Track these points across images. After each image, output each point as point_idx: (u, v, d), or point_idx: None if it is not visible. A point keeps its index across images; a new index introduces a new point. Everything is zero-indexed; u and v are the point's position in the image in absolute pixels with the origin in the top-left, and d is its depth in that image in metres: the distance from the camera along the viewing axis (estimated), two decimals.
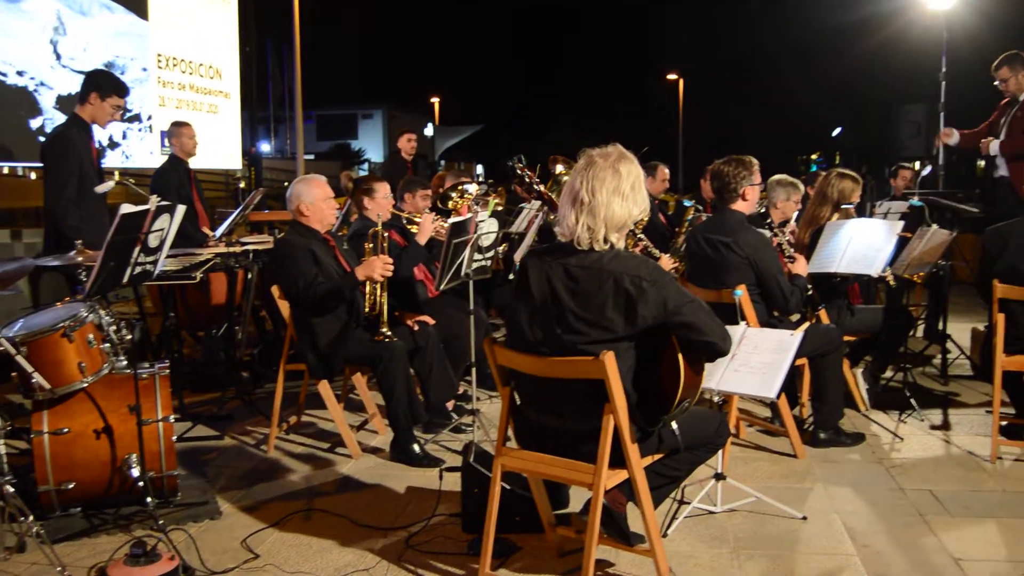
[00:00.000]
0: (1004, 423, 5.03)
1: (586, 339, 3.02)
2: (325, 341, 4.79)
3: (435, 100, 49.85)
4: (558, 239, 3.18)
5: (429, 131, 48.46)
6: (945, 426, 5.42)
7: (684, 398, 3.10)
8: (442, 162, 43.76)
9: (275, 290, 4.87)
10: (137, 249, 3.97)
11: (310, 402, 5.58)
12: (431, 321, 5.21)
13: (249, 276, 6.45)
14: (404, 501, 4.27)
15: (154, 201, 3.92)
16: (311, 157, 36.49)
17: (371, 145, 47.28)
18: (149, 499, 3.83)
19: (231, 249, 6.16)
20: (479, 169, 43.72)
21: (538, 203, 6.66)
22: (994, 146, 6.96)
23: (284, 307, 4.86)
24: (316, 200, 4.87)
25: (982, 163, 7.51)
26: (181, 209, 4.26)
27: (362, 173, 32.65)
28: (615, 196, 3.04)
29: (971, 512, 4.10)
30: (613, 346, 2.99)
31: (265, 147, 30.26)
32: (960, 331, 7.08)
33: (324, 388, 4.86)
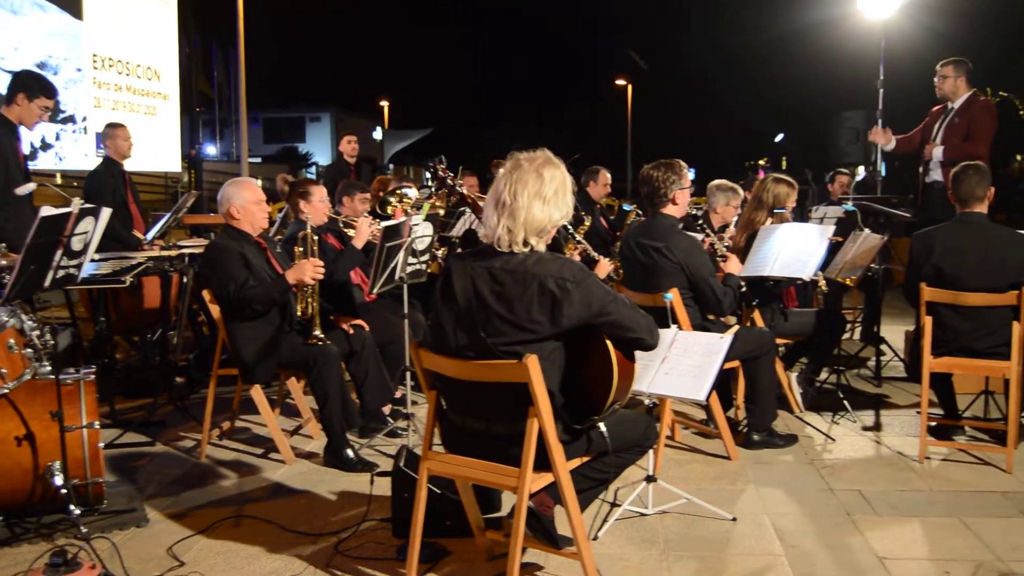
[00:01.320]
0: (932, 424, 5.12)
1: (511, 341, 3.01)
2: (257, 345, 4.73)
3: (384, 103, 49.66)
4: (481, 240, 3.18)
5: (378, 135, 48.18)
6: (876, 427, 5.50)
7: (616, 400, 3.12)
8: (391, 166, 43.51)
9: (206, 294, 4.81)
10: (59, 252, 3.88)
11: (244, 407, 5.52)
12: (366, 325, 5.16)
13: (185, 280, 6.34)
14: (336, 506, 4.23)
15: (76, 203, 3.83)
16: (258, 160, 36.12)
17: (319, 148, 46.89)
18: (73, 507, 3.75)
19: (165, 252, 6.07)
20: (428, 174, 43.53)
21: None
22: (938, 152, 7.07)
23: (215, 311, 4.79)
24: (247, 203, 4.81)
25: (922, 168, 7.59)
26: (106, 212, 4.17)
27: (309, 176, 32.38)
28: (536, 200, 3.04)
29: (898, 512, 4.16)
30: (538, 347, 2.99)
31: (211, 150, 29.89)
32: (895, 333, 7.21)
33: (257, 393, 4.80)
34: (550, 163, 3.13)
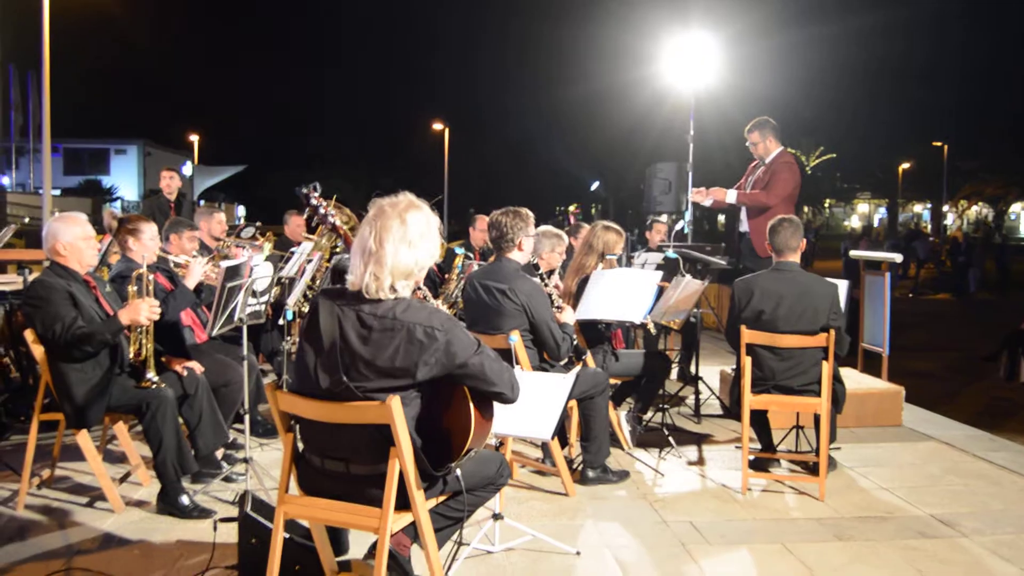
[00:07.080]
0: (752, 457, 5.46)
1: (374, 386, 3.02)
2: (85, 388, 4.51)
3: (195, 137, 48.12)
4: (348, 285, 3.17)
5: (188, 170, 46.61)
6: (700, 461, 5.81)
7: (472, 447, 3.18)
8: (201, 202, 42.13)
9: (29, 334, 4.54)
10: None
11: (65, 454, 5.22)
12: (199, 368, 5.02)
13: None
14: (175, 555, 4.07)
15: None
16: (57, 192, 34.17)
17: (125, 182, 44.81)
18: None
19: None
20: (240, 211, 42.40)
21: (310, 247, 6.60)
22: (731, 195, 7.54)
23: (39, 352, 4.53)
24: (75, 239, 4.60)
25: (722, 218, 8.08)
26: None
27: (113, 209, 30.85)
28: (401, 245, 3.08)
29: (727, 540, 4.42)
30: (401, 394, 3.02)
31: (3, 180, 28.12)
32: (709, 373, 7.62)
33: (83, 438, 4.56)
34: (412, 207, 3.17)
